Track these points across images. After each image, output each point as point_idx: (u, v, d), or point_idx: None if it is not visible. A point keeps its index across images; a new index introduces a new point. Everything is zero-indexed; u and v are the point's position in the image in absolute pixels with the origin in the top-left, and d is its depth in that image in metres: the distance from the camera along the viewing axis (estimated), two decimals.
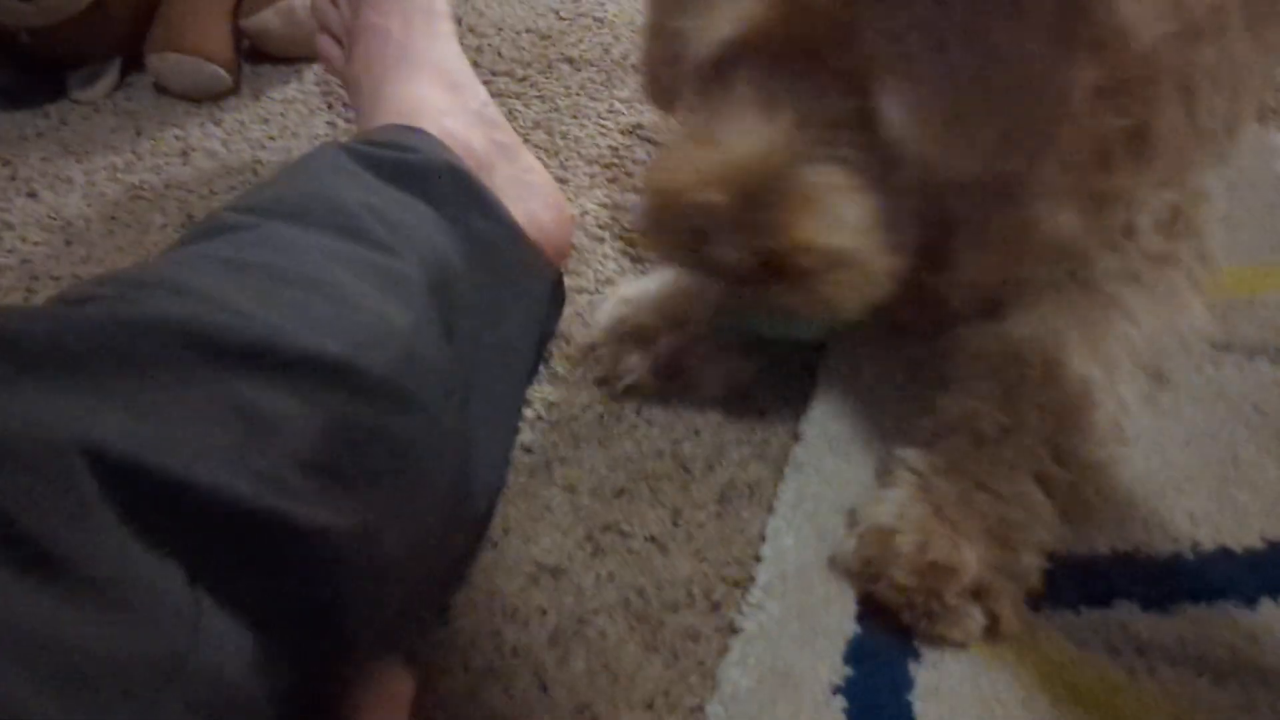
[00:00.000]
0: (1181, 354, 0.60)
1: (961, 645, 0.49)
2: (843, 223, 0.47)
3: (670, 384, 0.59)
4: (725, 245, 0.47)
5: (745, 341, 0.60)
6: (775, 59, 0.47)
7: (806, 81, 0.47)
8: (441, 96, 0.65)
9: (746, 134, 0.47)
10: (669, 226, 0.48)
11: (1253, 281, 0.69)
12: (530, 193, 0.66)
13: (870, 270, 0.49)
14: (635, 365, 0.59)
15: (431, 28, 0.68)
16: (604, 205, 0.76)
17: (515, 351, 0.53)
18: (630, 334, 0.60)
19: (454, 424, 0.45)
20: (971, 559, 0.49)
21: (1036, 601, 0.51)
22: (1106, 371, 0.56)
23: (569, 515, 0.55)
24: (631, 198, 0.66)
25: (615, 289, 0.64)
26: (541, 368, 0.62)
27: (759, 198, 0.46)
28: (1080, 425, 0.55)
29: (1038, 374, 0.56)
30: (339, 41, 0.73)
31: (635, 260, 0.72)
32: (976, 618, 0.49)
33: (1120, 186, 0.54)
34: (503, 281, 0.54)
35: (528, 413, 0.60)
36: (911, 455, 0.54)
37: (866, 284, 0.49)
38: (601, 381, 0.60)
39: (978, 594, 0.49)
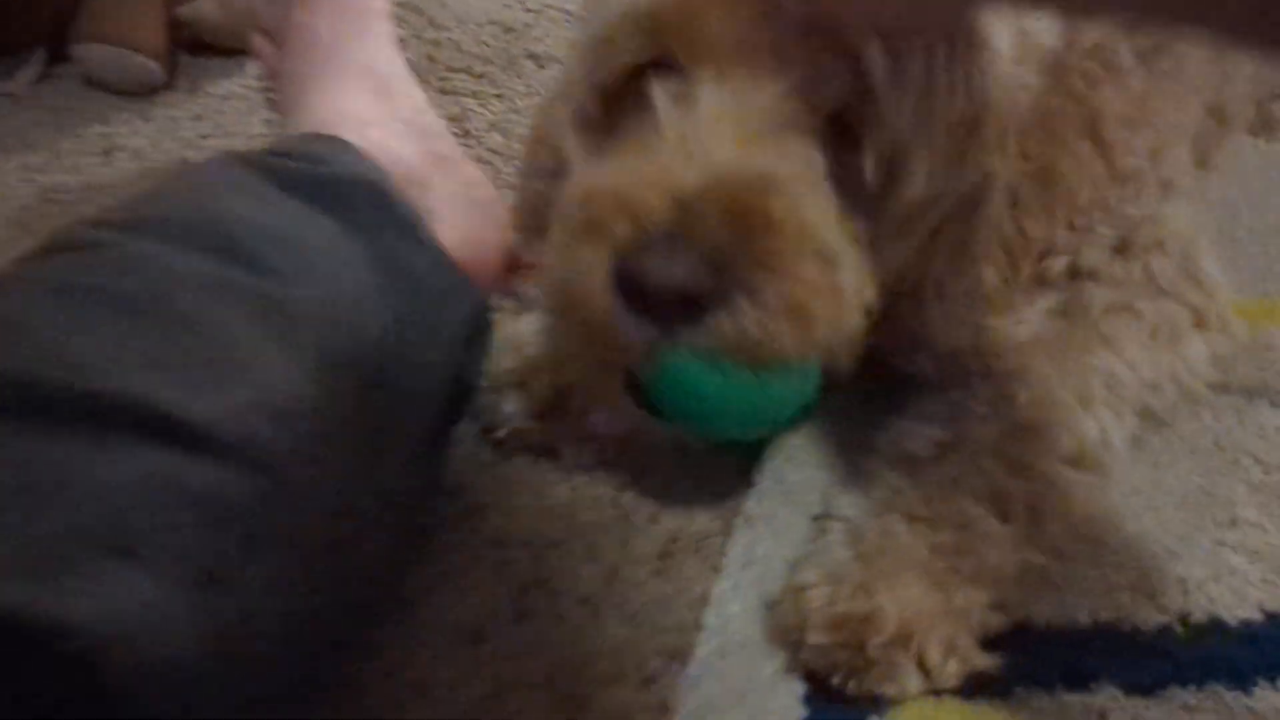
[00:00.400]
0: (1177, 394, 0.55)
1: (898, 700, 0.44)
2: (820, 215, 0.41)
3: (557, 431, 0.54)
4: (669, 255, 0.39)
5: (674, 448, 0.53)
6: (713, 60, 0.41)
7: (758, 85, 0.41)
8: (369, 104, 0.59)
9: (688, 142, 0.41)
10: (592, 235, 0.41)
11: (1254, 316, 0.63)
12: (471, 208, 0.61)
13: (849, 277, 0.42)
14: (511, 412, 0.54)
15: (365, 28, 0.62)
16: None
17: (430, 390, 0.48)
18: (506, 376, 0.54)
19: (337, 484, 0.40)
20: (888, 603, 0.44)
21: (1009, 680, 0.46)
22: (1080, 399, 0.51)
23: (495, 571, 0.50)
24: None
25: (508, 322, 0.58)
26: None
27: (716, 206, 0.39)
28: (1038, 436, 0.50)
29: (989, 390, 0.51)
30: (274, 38, 0.68)
31: None
32: (909, 669, 0.44)
33: (1032, 232, 0.52)
34: (420, 310, 0.48)
35: (458, 453, 0.54)
36: (844, 501, 0.50)
37: (843, 301, 0.42)
38: (486, 431, 0.55)
39: (905, 641, 0.44)
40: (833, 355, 0.43)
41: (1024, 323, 0.54)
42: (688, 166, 0.40)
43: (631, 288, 0.39)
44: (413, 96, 0.62)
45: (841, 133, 0.43)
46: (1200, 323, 0.56)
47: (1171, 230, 0.57)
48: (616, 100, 0.45)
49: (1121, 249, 0.56)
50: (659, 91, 0.42)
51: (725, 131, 0.40)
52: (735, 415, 0.46)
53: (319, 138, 0.53)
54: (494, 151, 0.76)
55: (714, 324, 0.39)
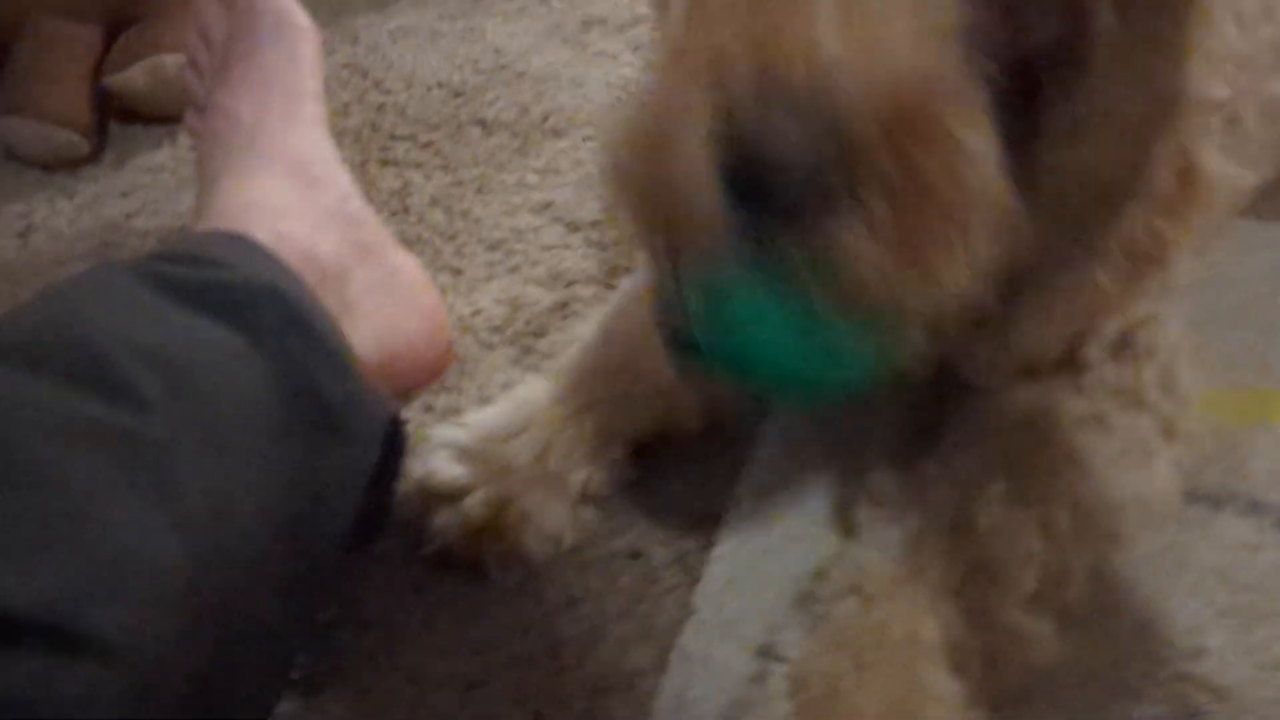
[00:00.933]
0: (1143, 516, 0.52)
1: None
2: (989, 151, 0.32)
3: (488, 549, 0.50)
4: (804, 124, 0.30)
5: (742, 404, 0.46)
6: None
7: None
8: (287, 193, 0.56)
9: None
10: (701, 77, 0.31)
11: (1218, 410, 0.61)
12: (396, 301, 0.58)
13: (990, 235, 0.33)
14: (441, 529, 0.50)
15: (292, 111, 0.59)
16: (501, 301, 0.68)
17: (334, 519, 0.44)
18: (440, 489, 0.51)
19: (206, 663, 0.36)
20: None
21: None
22: (1043, 530, 0.48)
23: (413, 711, 0.47)
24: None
25: (439, 428, 0.55)
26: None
27: (873, 90, 0.30)
28: (996, 577, 0.46)
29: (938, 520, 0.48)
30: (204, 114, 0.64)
31: (532, 369, 0.64)
32: None
33: (1167, 236, 0.45)
34: (325, 429, 0.45)
35: (373, 577, 0.51)
36: (788, 638, 0.47)
37: (977, 259, 0.33)
38: (412, 547, 0.51)
39: None
40: (936, 321, 0.35)
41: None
42: (844, 30, 0.30)
43: (744, 151, 0.30)
44: (337, 182, 0.59)
45: (1021, 78, 0.35)
46: (1170, 434, 0.53)
47: (1164, 335, 0.54)
48: None
49: (1118, 349, 0.52)
50: None
51: (893, 12, 0.31)
52: (796, 363, 0.37)
53: (221, 237, 0.49)
54: (435, 230, 0.73)
55: (831, 232, 0.30)
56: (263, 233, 0.51)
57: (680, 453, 0.57)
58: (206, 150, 0.59)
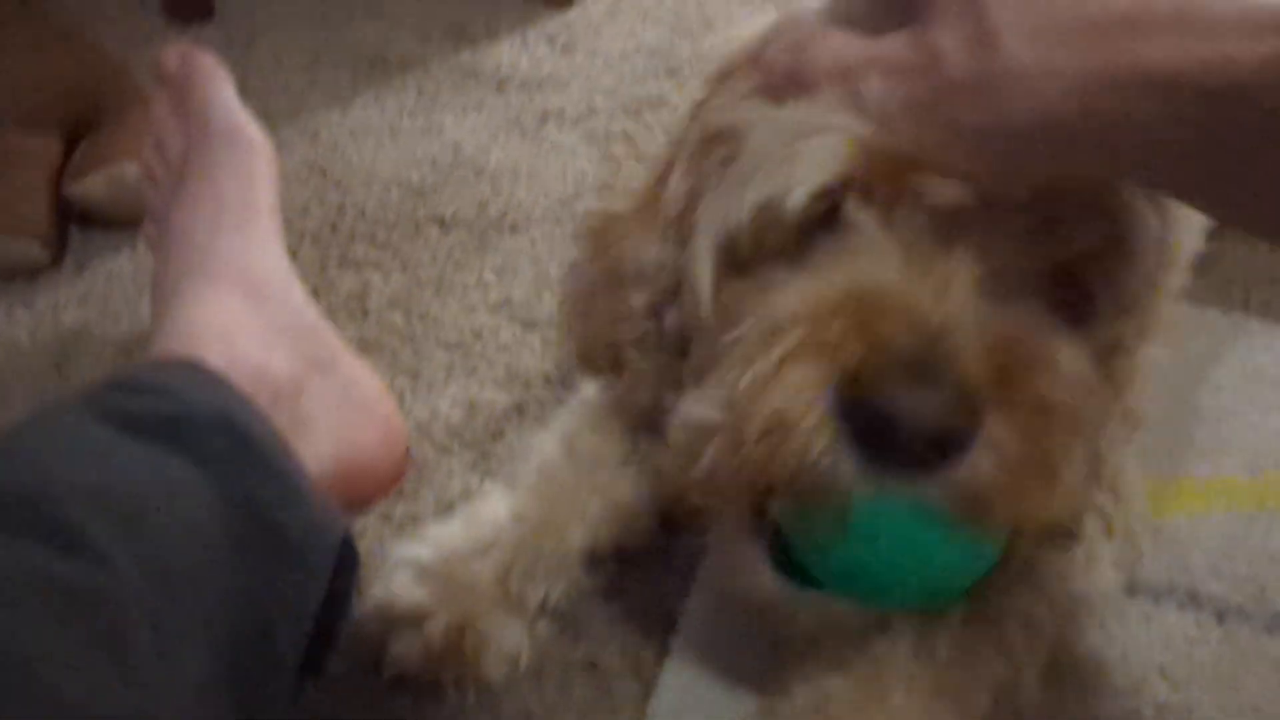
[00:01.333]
0: (1089, 619, 0.54)
1: None
2: (1080, 369, 0.39)
3: (448, 670, 0.51)
4: (924, 389, 0.35)
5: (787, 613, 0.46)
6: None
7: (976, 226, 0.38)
8: (240, 312, 0.56)
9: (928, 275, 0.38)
10: (811, 356, 0.37)
11: (1157, 500, 0.63)
12: (351, 413, 0.58)
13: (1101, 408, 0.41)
14: (401, 653, 0.51)
15: (246, 229, 0.60)
16: (458, 404, 0.69)
17: (279, 652, 0.45)
18: (401, 615, 0.51)
19: None
20: None
21: None
22: (998, 649, 0.49)
23: None
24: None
25: (400, 545, 0.55)
26: None
27: (977, 342, 0.36)
28: (954, 699, 0.47)
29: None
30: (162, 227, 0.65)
31: (489, 475, 0.65)
32: None
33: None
34: (274, 559, 0.45)
35: (326, 694, 0.51)
36: None
37: (1079, 466, 0.39)
38: (369, 669, 0.52)
39: None
40: (1050, 526, 0.41)
41: None
42: (936, 298, 0.37)
43: (873, 423, 0.35)
44: (291, 297, 0.60)
45: (1066, 287, 0.41)
46: (1110, 530, 0.55)
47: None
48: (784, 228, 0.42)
49: None
50: (865, 219, 0.40)
51: (964, 269, 0.38)
52: (916, 578, 0.42)
53: (174, 363, 0.50)
54: (393, 332, 0.74)
55: (958, 473, 0.35)
56: (215, 356, 0.51)
57: (635, 558, 0.58)
58: (161, 269, 0.60)
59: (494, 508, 0.55)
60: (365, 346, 0.72)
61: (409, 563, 0.53)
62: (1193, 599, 0.58)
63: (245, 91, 0.67)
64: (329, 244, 0.81)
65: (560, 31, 1.16)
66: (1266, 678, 0.54)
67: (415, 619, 0.51)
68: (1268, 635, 0.56)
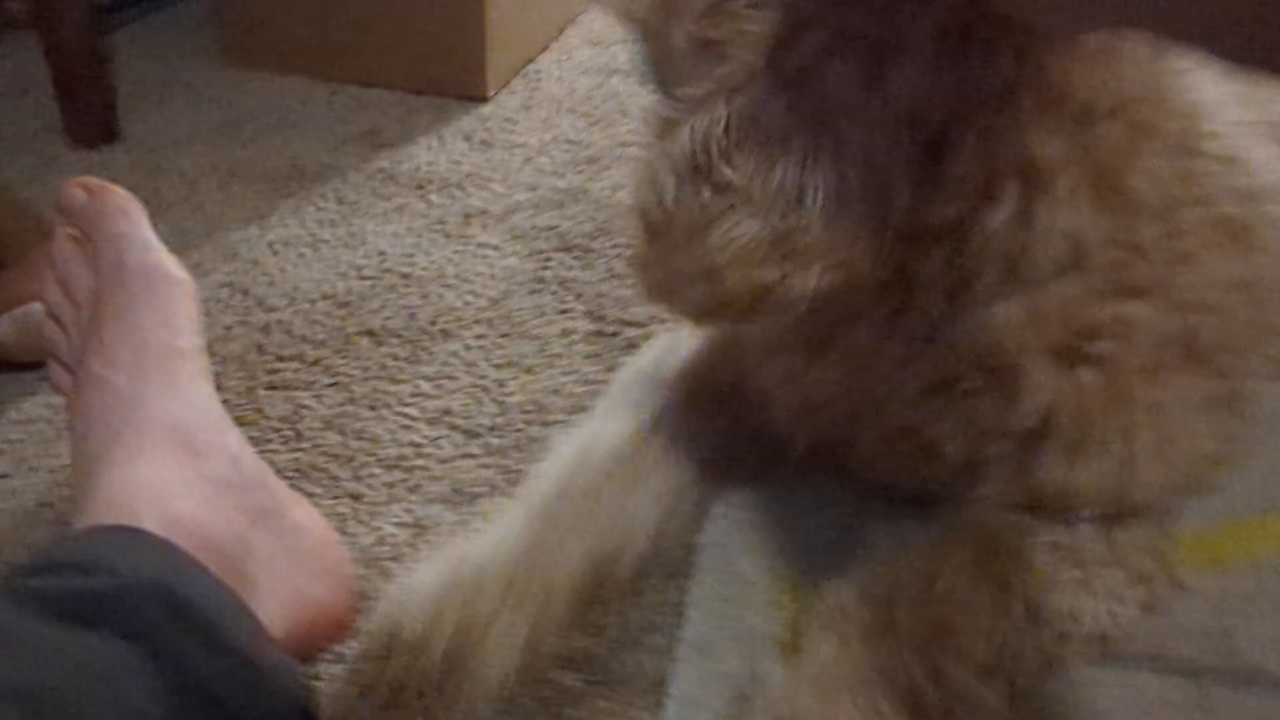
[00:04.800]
0: (1096, 646, 0.53)
1: None
2: None
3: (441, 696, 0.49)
4: None
5: None
6: None
7: None
8: (173, 470, 0.53)
9: None
10: None
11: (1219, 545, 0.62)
12: (300, 566, 0.55)
13: None
14: (396, 676, 0.49)
15: (170, 375, 0.57)
16: (404, 525, 0.66)
17: None
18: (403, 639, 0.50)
19: None
20: None
21: None
22: (998, 613, 0.49)
23: None
24: None
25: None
26: None
27: None
28: (954, 638, 0.49)
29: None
30: (71, 370, 0.62)
31: None
32: None
33: None
34: None
35: None
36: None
37: None
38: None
39: None
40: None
41: None
42: None
43: None
44: (225, 445, 0.57)
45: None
46: (1139, 581, 0.55)
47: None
48: None
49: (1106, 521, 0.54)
50: None
51: None
52: None
53: (105, 534, 0.47)
54: (330, 454, 0.71)
55: None
56: (151, 520, 0.48)
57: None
58: (82, 424, 0.56)
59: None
60: (302, 472, 0.69)
61: (414, 589, 0.52)
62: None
63: (157, 214, 0.64)
64: (256, 367, 0.78)
65: (476, 128, 1.17)
66: None
67: (415, 645, 0.49)
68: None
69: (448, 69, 1.20)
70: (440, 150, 1.11)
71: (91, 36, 1.03)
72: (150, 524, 0.48)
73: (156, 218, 0.61)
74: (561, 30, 1.44)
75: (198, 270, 0.89)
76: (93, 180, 0.67)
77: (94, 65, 1.05)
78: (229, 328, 0.83)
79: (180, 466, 0.53)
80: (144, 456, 0.52)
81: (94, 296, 0.62)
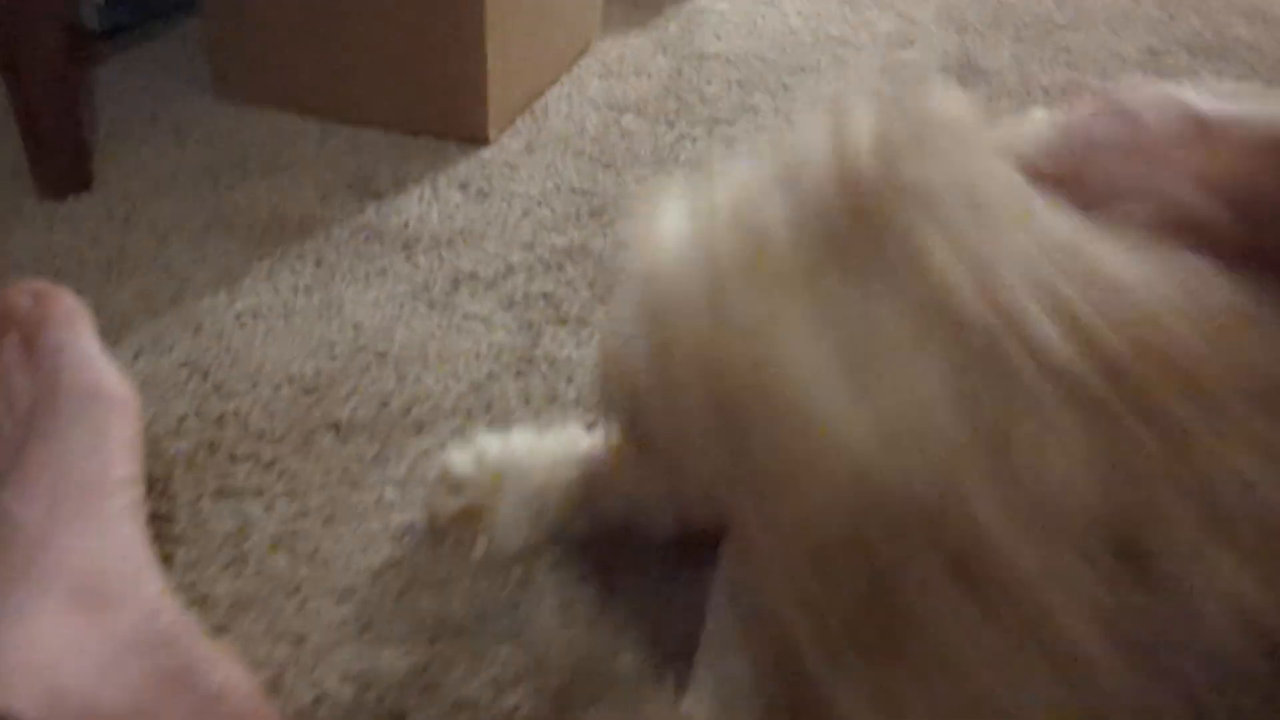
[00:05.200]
0: None
1: None
2: None
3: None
4: None
5: None
6: None
7: None
8: (70, 629, 0.47)
9: None
10: None
11: None
12: None
13: None
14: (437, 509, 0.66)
15: (92, 510, 0.51)
16: (349, 677, 0.58)
17: None
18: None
19: None
20: None
21: None
22: None
23: None
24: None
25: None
26: None
27: None
28: None
29: None
30: None
31: None
32: None
33: None
34: None
35: None
36: None
37: None
38: None
39: None
40: None
41: None
42: None
43: None
44: (142, 596, 0.50)
45: None
46: None
47: None
48: None
49: None
50: None
51: None
52: None
53: None
54: (275, 582, 0.63)
55: None
56: (33, 695, 0.42)
57: None
58: None
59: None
60: (240, 606, 0.62)
61: (478, 449, 0.66)
62: None
63: (122, 276, 0.59)
64: (205, 469, 0.71)
65: (474, 175, 1.08)
66: None
67: (455, 486, 0.65)
68: None
69: (446, 110, 1.12)
70: (433, 201, 1.03)
71: (65, 76, 0.96)
72: (29, 699, 0.41)
73: (121, 279, 0.55)
74: (574, 60, 1.35)
75: (158, 346, 0.82)
76: (39, 284, 0.63)
77: (66, 109, 0.98)
78: (182, 419, 0.75)
79: (82, 624, 0.46)
80: (41, 612, 0.46)
81: (30, 411, 0.56)
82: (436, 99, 1.12)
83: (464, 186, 1.06)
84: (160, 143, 1.12)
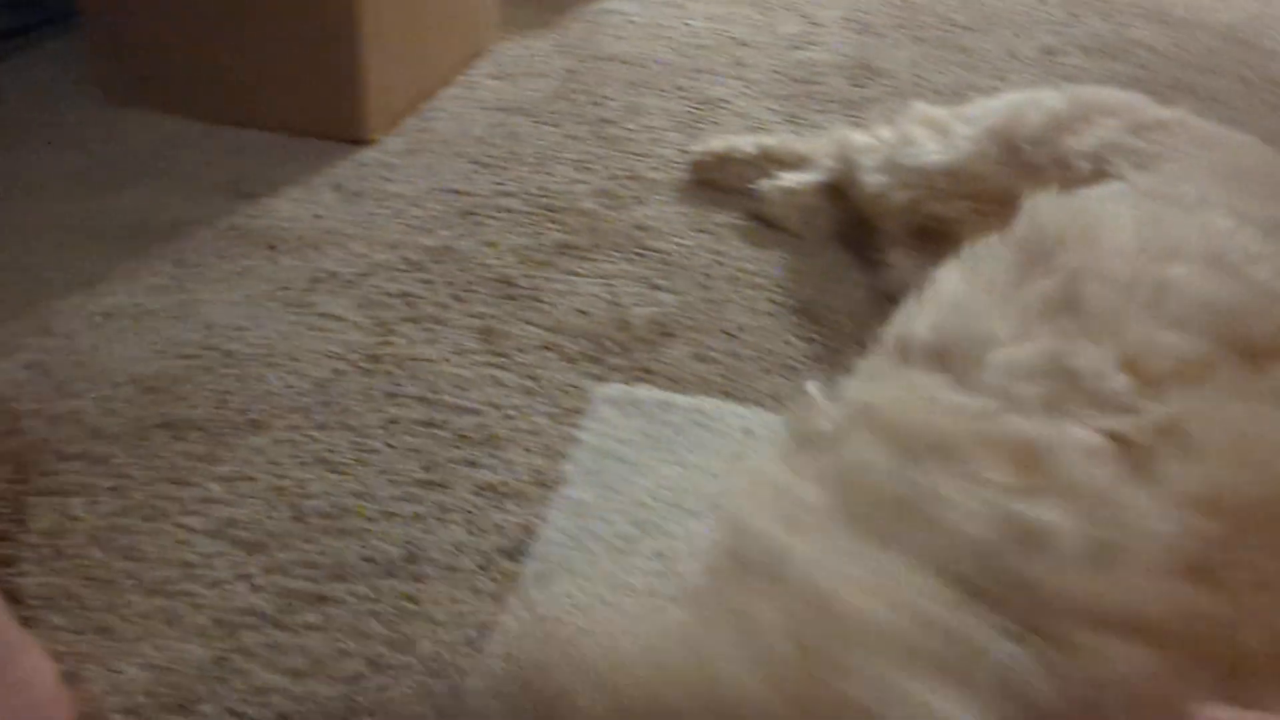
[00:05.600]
0: None
1: None
2: None
3: None
4: None
5: None
6: None
7: None
8: None
9: None
10: None
11: None
12: (24, 711, 0.49)
13: None
14: None
15: None
16: (147, 667, 0.59)
17: None
18: None
19: None
20: None
21: None
22: None
23: None
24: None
25: None
26: None
27: None
28: None
29: None
30: None
31: None
32: None
33: None
34: None
35: None
36: None
37: None
38: None
39: None
40: None
41: None
42: None
43: None
44: None
45: None
46: None
47: None
48: None
49: None
50: None
51: None
52: None
53: None
54: (89, 578, 0.64)
55: None
56: None
57: None
58: None
59: None
60: (50, 600, 0.63)
61: None
62: None
63: None
64: (31, 469, 0.72)
65: (349, 176, 1.09)
66: None
67: None
68: None
69: (324, 112, 1.13)
70: (304, 202, 1.04)
71: None
72: None
73: None
74: (469, 62, 1.36)
75: (4, 348, 0.83)
76: None
77: None
78: (16, 418, 0.76)
79: None
80: None
81: None
82: (315, 101, 1.13)
83: (338, 187, 1.07)
84: (40, 147, 1.13)
